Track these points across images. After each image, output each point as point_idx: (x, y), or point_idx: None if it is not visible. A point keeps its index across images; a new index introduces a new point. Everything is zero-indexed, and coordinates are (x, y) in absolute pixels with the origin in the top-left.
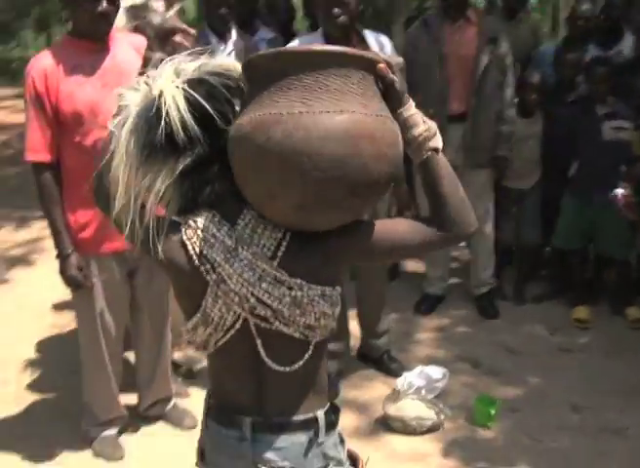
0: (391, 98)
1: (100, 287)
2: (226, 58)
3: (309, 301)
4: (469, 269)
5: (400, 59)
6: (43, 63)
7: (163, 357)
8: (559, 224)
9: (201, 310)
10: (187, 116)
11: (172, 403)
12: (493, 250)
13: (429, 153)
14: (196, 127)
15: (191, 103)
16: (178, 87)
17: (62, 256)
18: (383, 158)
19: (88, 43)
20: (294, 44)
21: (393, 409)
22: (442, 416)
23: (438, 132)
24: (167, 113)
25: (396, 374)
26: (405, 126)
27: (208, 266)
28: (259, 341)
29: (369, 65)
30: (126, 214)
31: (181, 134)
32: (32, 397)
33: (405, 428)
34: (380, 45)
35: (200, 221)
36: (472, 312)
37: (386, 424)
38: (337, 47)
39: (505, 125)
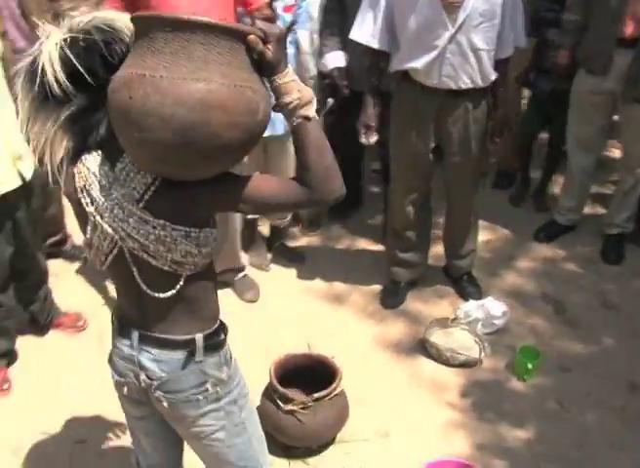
0: (265, 67)
1: None
2: (116, 14)
3: (173, 240)
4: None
5: (278, 29)
6: None
7: (230, 230)
8: None
9: (85, 234)
10: (60, 73)
11: (242, 274)
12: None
13: (299, 120)
14: (68, 82)
15: (64, 60)
16: (57, 43)
17: None
18: (236, 126)
19: None
20: None
21: (434, 336)
22: (482, 355)
23: (314, 100)
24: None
25: (469, 298)
26: (278, 93)
27: (88, 200)
28: (134, 269)
29: (238, 36)
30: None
31: (56, 88)
32: None
33: (439, 356)
34: None
35: (87, 160)
36: (593, 251)
37: (425, 347)
38: (204, 18)
39: None
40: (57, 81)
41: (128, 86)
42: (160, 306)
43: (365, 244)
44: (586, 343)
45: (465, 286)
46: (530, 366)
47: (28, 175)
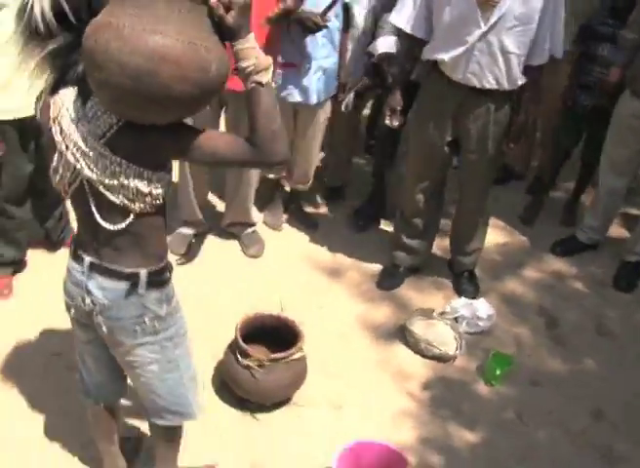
0: (225, 31)
1: None
2: None
3: (126, 177)
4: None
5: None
6: None
7: (243, 185)
8: None
9: (53, 161)
10: (47, 11)
11: (251, 229)
12: None
13: (253, 85)
14: (54, 20)
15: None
16: None
17: None
18: (186, 80)
19: None
20: None
21: (415, 324)
22: (457, 352)
23: (270, 68)
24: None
25: (463, 295)
26: (237, 57)
27: (58, 128)
28: (91, 199)
29: None
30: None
31: (41, 25)
32: None
33: (414, 345)
34: None
35: (63, 94)
36: (606, 274)
37: (404, 334)
38: None
39: None
40: (43, 19)
41: (95, 31)
42: (111, 238)
43: (382, 223)
44: (566, 363)
45: (463, 282)
46: (498, 372)
47: None
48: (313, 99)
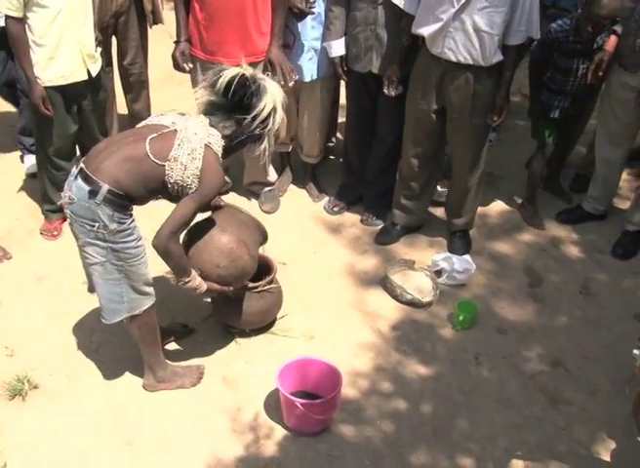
0: None
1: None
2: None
3: None
4: None
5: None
6: None
7: None
8: None
9: None
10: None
11: (269, 188)
12: None
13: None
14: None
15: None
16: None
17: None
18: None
19: None
20: None
21: (393, 271)
22: (429, 299)
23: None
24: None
25: (454, 253)
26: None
27: None
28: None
29: None
30: None
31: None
32: None
33: (391, 291)
34: None
35: None
36: (605, 243)
37: (385, 283)
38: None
39: None
40: (219, 91)
41: None
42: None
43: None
44: (539, 316)
45: (454, 241)
46: (461, 317)
47: (94, 73)
48: (306, 77)
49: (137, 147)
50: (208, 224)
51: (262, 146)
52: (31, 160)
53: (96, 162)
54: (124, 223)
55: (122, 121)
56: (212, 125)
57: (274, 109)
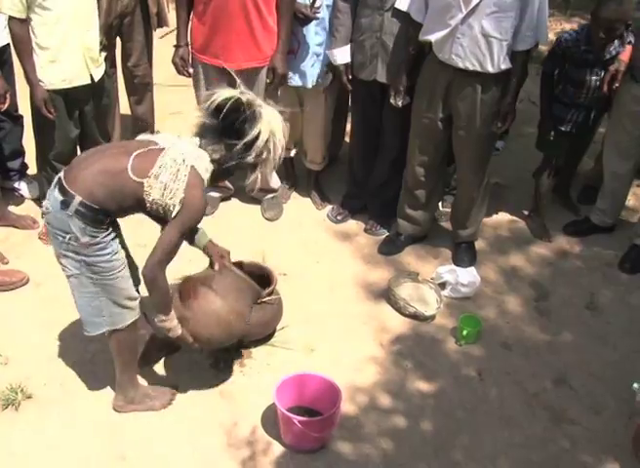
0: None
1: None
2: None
3: None
4: None
5: None
6: None
7: None
8: None
9: None
10: (213, 106)
11: (271, 195)
12: None
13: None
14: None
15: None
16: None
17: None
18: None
19: None
20: None
21: (396, 284)
22: (432, 313)
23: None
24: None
25: (458, 265)
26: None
27: None
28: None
29: None
30: None
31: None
32: None
33: (394, 303)
34: None
35: None
36: (612, 256)
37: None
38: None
39: None
40: (212, 111)
41: None
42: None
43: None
44: (544, 332)
45: (459, 252)
46: (465, 332)
47: (97, 77)
48: (309, 83)
49: (118, 160)
50: (207, 290)
51: (254, 176)
52: (24, 186)
53: (74, 172)
54: (97, 237)
55: (125, 124)
56: (201, 147)
57: (270, 139)
